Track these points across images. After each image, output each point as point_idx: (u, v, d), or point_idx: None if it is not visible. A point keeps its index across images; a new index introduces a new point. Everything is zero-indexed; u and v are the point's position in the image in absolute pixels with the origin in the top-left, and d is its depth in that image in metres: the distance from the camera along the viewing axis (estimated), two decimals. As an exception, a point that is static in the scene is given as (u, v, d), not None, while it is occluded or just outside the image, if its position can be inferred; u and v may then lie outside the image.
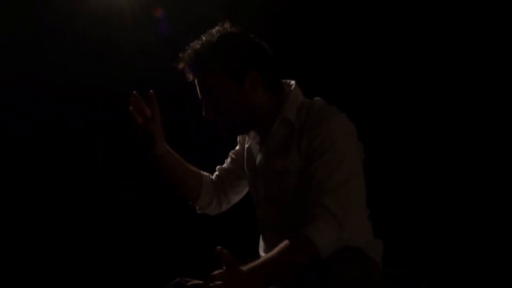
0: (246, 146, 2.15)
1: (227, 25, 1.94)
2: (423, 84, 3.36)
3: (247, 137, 2.13)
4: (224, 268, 1.67)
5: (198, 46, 1.89)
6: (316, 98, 1.99)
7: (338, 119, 1.88)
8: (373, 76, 3.35)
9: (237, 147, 2.24)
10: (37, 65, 3.36)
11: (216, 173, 2.28)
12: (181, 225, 3.30)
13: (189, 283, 1.87)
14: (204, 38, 1.91)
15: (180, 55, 1.92)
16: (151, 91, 1.92)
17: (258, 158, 2.03)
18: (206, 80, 1.91)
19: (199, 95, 1.94)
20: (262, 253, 2.08)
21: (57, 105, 3.40)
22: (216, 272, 1.68)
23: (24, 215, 3.36)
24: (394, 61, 3.36)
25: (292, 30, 3.18)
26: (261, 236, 2.11)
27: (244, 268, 1.68)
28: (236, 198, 2.28)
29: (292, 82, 2.02)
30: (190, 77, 1.94)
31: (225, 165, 2.28)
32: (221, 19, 1.95)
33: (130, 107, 1.93)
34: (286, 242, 1.75)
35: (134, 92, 1.95)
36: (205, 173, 2.25)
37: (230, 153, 2.27)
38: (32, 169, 3.41)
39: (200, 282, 1.86)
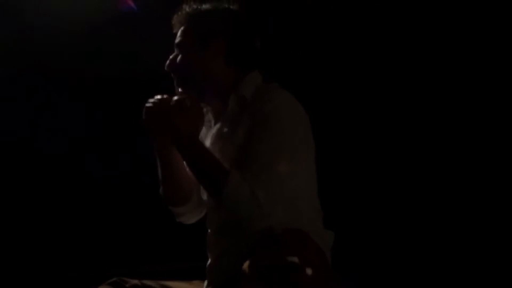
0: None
1: None
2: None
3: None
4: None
5: (195, 6, 1.98)
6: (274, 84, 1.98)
7: (288, 102, 1.86)
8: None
9: None
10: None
11: None
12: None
13: (128, 284, 1.81)
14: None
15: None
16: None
17: (210, 137, 1.98)
18: (181, 35, 1.98)
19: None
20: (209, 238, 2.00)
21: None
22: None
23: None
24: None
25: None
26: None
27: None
28: None
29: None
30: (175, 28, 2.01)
31: None
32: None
33: None
34: (222, 166, 1.79)
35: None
36: None
37: None
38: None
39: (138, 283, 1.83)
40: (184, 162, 1.94)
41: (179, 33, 1.98)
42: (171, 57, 1.98)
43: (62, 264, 3.31)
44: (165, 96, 1.88)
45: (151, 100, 1.89)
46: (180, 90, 1.95)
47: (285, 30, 3.30)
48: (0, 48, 3.21)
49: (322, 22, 3.37)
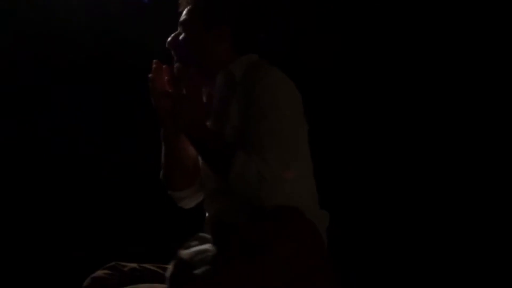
0: None
1: None
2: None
3: None
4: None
5: None
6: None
7: (283, 82, 1.86)
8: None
9: None
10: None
11: None
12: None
13: (126, 268, 1.82)
14: None
15: None
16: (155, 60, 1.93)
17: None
18: (187, 14, 1.97)
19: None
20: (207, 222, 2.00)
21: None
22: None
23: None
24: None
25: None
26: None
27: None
28: None
29: None
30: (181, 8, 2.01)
31: None
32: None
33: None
34: (227, 146, 1.79)
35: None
36: None
37: None
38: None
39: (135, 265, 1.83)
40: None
41: (184, 12, 1.97)
42: (173, 34, 1.98)
43: (58, 250, 3.30)
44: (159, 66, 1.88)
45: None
46: (177, 66, 1.91)
47: (285, 30, 3.30)
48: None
49: (322, 22, 3.38)
